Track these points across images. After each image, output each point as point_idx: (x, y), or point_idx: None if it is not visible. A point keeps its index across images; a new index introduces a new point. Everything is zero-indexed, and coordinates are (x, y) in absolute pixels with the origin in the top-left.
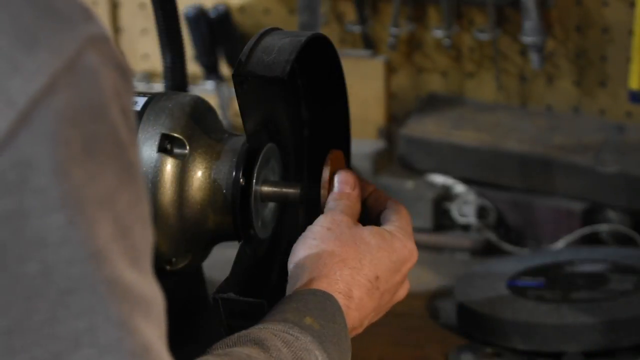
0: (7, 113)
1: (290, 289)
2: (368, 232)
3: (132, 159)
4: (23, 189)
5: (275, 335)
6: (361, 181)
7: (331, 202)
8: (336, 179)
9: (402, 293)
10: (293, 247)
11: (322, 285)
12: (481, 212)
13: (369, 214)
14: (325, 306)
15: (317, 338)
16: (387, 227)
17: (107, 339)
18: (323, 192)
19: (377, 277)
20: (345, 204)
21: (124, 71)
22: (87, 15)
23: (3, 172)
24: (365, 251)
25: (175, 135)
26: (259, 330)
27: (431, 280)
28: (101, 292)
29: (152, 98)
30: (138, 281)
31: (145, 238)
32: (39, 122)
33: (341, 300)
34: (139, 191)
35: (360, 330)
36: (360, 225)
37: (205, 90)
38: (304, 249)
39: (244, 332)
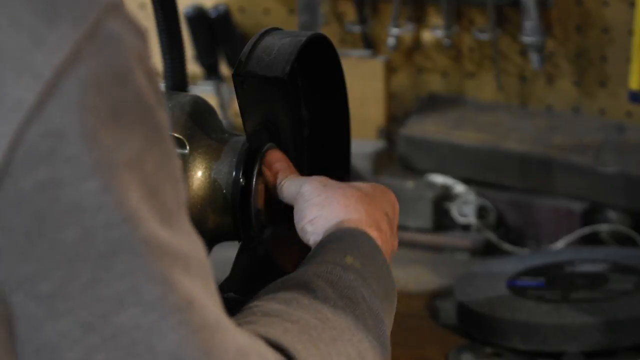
0: (34, 85)
1: (314, 244)
2: (346, 183)
3: (159, 121)
4: (55, 158)
5: (319, 277)
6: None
7: (294, 176)
8: (275, 165)
9: (395, 229)
10: (298, 213)
11: (352, 223)
12: (481, 212)
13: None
14: (362, 244)
15: (360, 276)
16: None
17: (150, 296)
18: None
19: (387, 213)
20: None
21: (142, 35)
22: None
23: (34, 143)
24: (364, 190)
25: (175, 135)
26: (302, 274)
27: (431, 280)
28: (140, 252)
29: None
30: (173, 238)
31: (176, 196)
32: (65, 91)
33: (374, 234)
34: (168, 151)
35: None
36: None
37: (205, 90)
38: (313, 206)
39: (286, 277)
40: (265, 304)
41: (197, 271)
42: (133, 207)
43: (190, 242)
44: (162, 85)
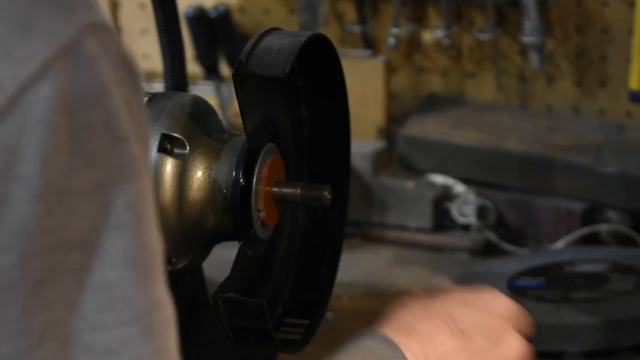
0: None
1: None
2: (462, 302)
3: (132, 154)
4: (7, 176)
5: None
6: None
7: None
8: None
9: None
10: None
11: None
12: (481, 212)
13: None
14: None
15: None
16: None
17: (71, 331)
18: (261, 187)
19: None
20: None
21: (129, 66)
22: (88, 3)
23: None
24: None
25: (175, 135)
26: None
27: (431, 280)
28: (68, 282)
29: (152, 98)
30: (116, 281)
31: (143, 243)
32: (27, 108)
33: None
34: (139, 190)
35: None
36: None
37: (205, 90)
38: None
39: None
40: None
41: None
42: (73, 235)
43: (152, 297)
44: (152, 90)
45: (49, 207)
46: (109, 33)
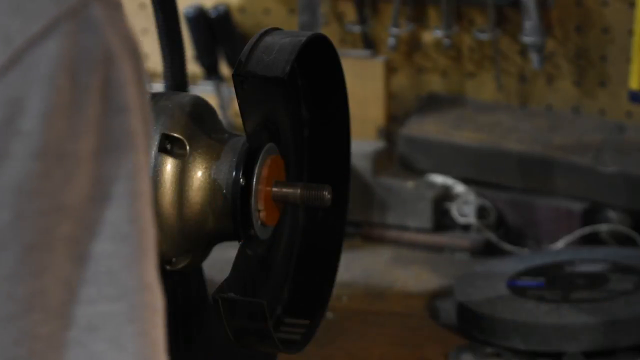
0: (3, 50)
1: None
2: None
3: (132, 127)
4: (9, 128)
5: None
6: None
7: None
8: None
9: None
10: None
11: None
12: (481, 212)
13: None
14: None
15: None
16: None
17: (56, 303)
18: (261, 187)
19: None
20: None
21: (133, 43)
22: None
23: None
24: None
25: (175, 135)
26: None
27: (431, 280)
28: (58, 251)
29: (152, 98)
30: (104, 254)
31: (132, 219)
32: (33, 63)
33: None
34: (135, 164)
35: None
36: None
37: (205, 90)
38: None
39: None
40: None
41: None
42: (69, 201)
43: (138, 278)
44: (152, 90)
45: (47, 167)
46: (117, 6)
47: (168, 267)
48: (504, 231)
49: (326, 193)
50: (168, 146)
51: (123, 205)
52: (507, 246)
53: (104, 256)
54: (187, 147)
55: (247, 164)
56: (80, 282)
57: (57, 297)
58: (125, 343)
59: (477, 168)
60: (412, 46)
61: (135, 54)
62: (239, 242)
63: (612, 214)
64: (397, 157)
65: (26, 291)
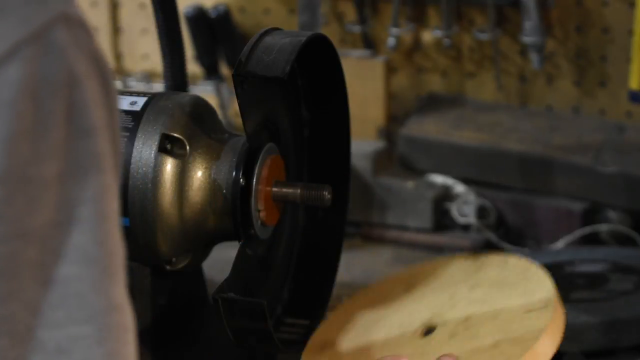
0: None
1: None
2: None
3: (99, 149)
4: None
5: None
6: None
7: None
8: None
9: None
10: None
11: None
12: (481, 212)
13: None
14: None
15: None
16: None
17: (23, 328)
18: (261, 187)
19: None
20: None
21: (100, 63)
22: None
23: None
24: None
25: (175, 135)
26: None
27: None
28: (23, 276)
29: (152, 98)
30: (71, 278)
31: (99, 240)
32: None
33: None
34: (102, 186)
35: None
36: None
37: (205, 90)
38: None
39: None
40: None
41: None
42: (32, 227)
43: (96, 292)
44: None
45: (9, 193)
46: (82, 27)
47: (168, 267)
48: (504, 231)
49: (326, 193)
50: (168, 146)
51: (89, 228)
52: (507, 246)
53: (71, 279)
54: (187, 147)
55: (247, 164)
56: (47, 306)
57: (23, 321)
58: None
59: (477, 168)
60: (412, 46)
61: (102, 74)
62: (239, 242)
63: (612, 214)
64: (397, 157)
65: None
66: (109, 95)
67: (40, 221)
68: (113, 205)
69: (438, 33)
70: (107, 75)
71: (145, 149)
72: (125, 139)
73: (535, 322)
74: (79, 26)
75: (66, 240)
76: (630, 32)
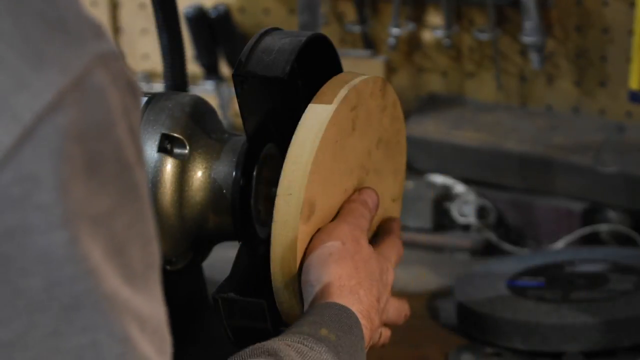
0: (13, 128)
1: (306, 304)
2: (375, 259)
3: (136, 180)
4: (27, 204)
5: (290, 346)
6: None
7: (355, 208)
8: (364, 192)
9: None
10: (308, 258)
11: (343, 302)
12: (481, 212)
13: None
14: (341, 318)
15: (333, 349)
16: (387, 257)
17: (110, 354)
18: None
19: (379, 299)
20: (363, 218)
21: (133, 89)
22: (98, 32)
23: (7, 187)
24: (373, 275)
25: (175, 135)
26: (274, 342)
27: (431, 280)
28: (102, 308)
29: (152, 98)
30: (133, 297)
31: (144, 257)
32: (43, 138)
33: (362, 320)
34: (142, 211)
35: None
36: (370, 246)
37: (205, 90)
38: (319, 264)
39: (258, 344)
40: None
41: (153, 334)
42: (97, 262)
43: (151, 304)
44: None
45: (72, 235)
46: (117, 61)
47: (168, 267)
48: (504, 231)
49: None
50: (168, 146)
51: (137, 247)
52: (507, 246)
53: (128, 299)
54: (187, 147)
55: (247, 164)
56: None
57: (112, 349)
58: None
59: (477, 168)
60: (412, 46)
61: (135, 102)
62: (239, 242)
63: (612, 214)
64: None
65: (71, 346)
66: (139, 121)
67: (98, 256)
68: (151, 229)
69: (438, 33)
70: (140, 100)
71: (145, 149)
72: None
73: None
74: (114, 61)
75: (127, 262)
76: (630, 32)
